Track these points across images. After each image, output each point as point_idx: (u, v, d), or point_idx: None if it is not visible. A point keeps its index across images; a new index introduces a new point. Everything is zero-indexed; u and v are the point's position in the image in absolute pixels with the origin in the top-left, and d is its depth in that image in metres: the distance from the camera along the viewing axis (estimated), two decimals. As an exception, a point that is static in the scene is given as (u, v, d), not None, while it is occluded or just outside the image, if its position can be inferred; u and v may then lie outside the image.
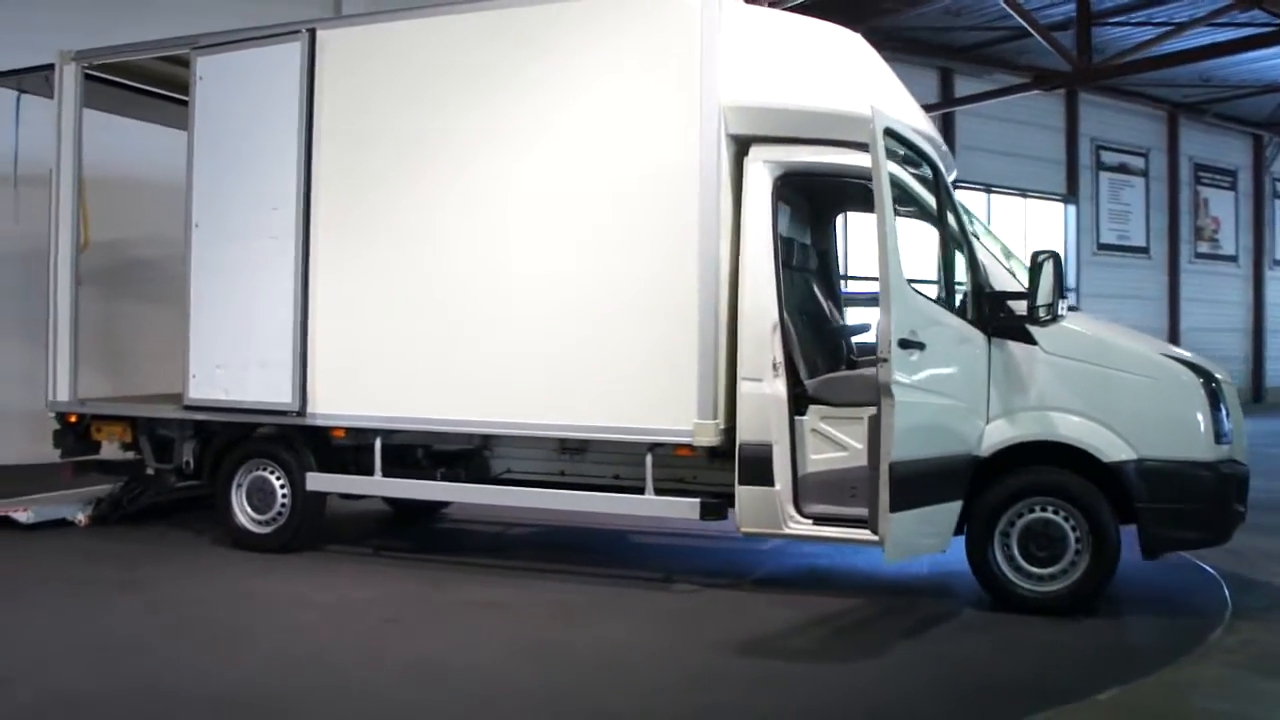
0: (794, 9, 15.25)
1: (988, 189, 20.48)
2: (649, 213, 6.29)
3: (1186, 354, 6.07)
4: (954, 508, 5.68)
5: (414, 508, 8.66)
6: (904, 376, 5.17)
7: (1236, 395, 6.04)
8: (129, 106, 8.77)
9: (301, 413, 7.04)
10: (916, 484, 5.27)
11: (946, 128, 19.78)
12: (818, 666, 5.14)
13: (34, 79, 8.29)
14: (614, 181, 6.38)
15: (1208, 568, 7.00)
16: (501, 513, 8.29)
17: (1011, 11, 13.96)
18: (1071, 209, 21.54)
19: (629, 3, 6.38)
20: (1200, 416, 5.70)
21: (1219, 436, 5.75)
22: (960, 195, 19.30)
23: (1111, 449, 5.68)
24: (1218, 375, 5.92)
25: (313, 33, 7.01)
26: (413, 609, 6.04)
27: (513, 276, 6.58)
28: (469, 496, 7.27)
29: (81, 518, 8.28)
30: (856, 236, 13.62)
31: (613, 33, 6.40)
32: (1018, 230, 21.08)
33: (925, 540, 5.60)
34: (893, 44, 18.50)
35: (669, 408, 6.19)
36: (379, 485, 7.09)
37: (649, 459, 6.31)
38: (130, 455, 8.10)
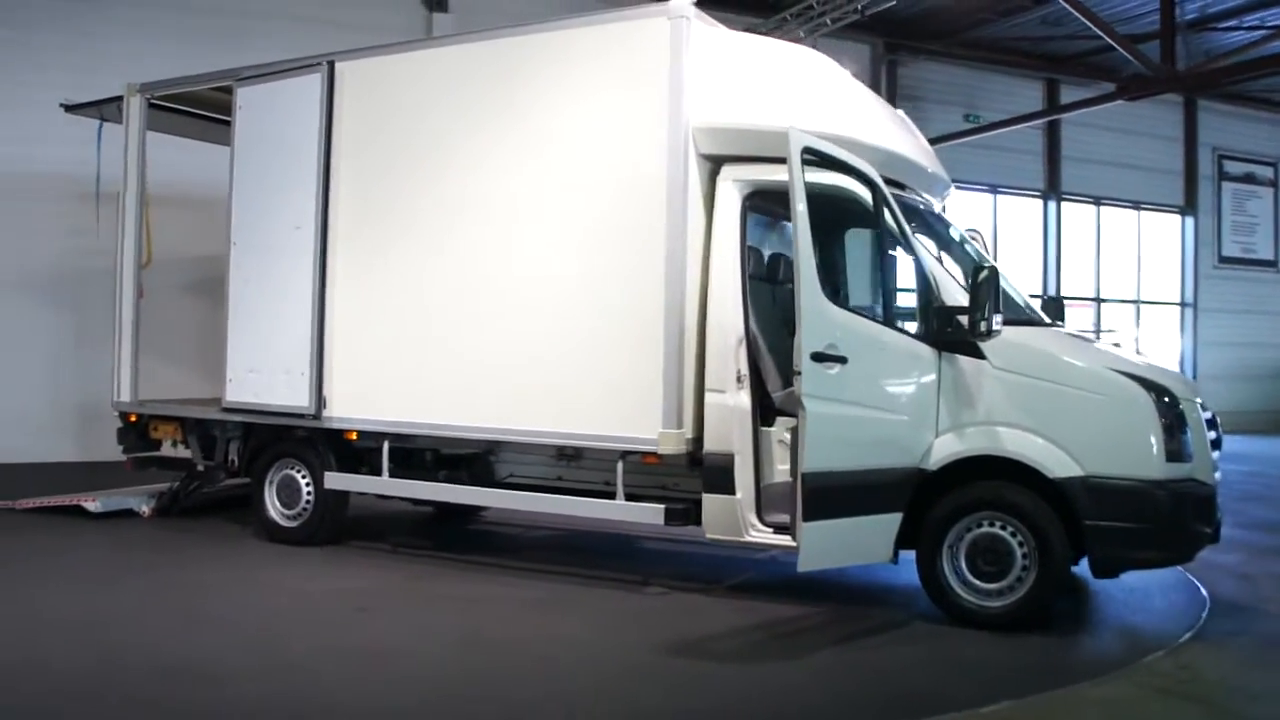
0: (876, 19, 15.35)
1: (1097, 201, 19.93)
2: (625, 230, 6.57)
3: (1151, 370, 5.96)
4: (888, 519, 5.76)
5: (452, 509, 9.12)
6: (818, 389, 5.31)
7: (1200, 413, 5.91)
8: (199, 131, 9.52)
9: (317, 416, 7.59)
10: (835, 495, 5.40)
11: (1052, 139, 19.37)
12: (740, 669, 5.31)
13: (110, 108, 9.14)
14: (594, 201, 6.68)
15: (1203, 590, 6.84)
16: (527, 516, 8.65)
17: (1084, 19, 13.63)
18: (1189, 221, 20.70)
19: (605, 30, 6.69)
20: (1151, 434, 5.63)
21: (1175, 455, 5.66)
22: (1066, 207, 18.85)
23: (1058, 465, 5.66)
24: (1178, 392, 5.82)
25: (332, 64, 7.58)
26: (389, 600, 6.47)
27: (502, 291, 6.96)
28: (460, 497, 7.64)
29: (145, 509, 9.06)
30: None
31: (591, 57, 6.72)
32: (1130, 243, 20.43)
33: (848, 551, 5.71)
34: (997, 55, 18.32)
35: (638, 417, 6.43)
36: (387, 485, 7.56)
37: (619, 465, 6.58)
38: (185, 452, 8.83)
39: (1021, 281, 18.18)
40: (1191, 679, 5.14)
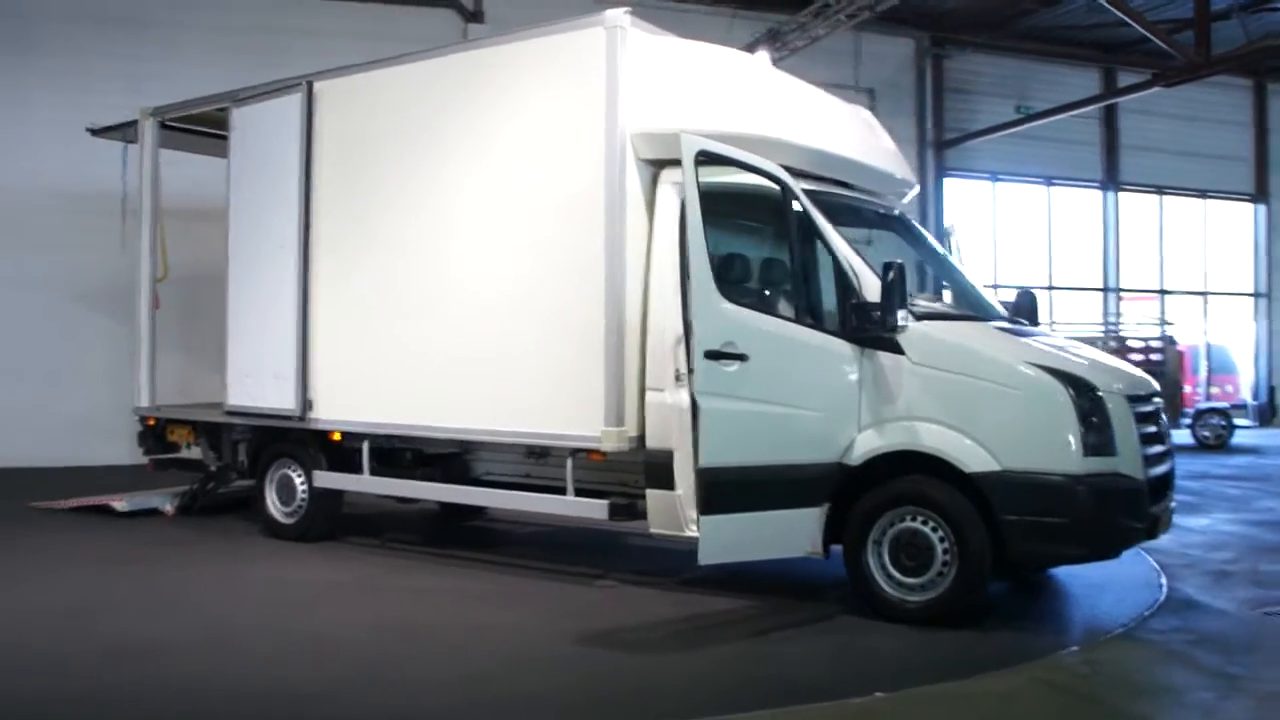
0: (918, 13, 15.23)
1: (1159, 190, 19.38)
2: (568, 235, 6.76)
3: (1076, 365, 5.92)
4: (804, 514, 5.85)
5: (455, 507, 9.42)
6: (712, 387, 5.45)
7: (1128, 407, 5.85)
8: (214, 149, 9.99)
9: (303, 418, 8.00)
10: (736, 490, 5.53)
11: (1110, 128, 18.92)
12: (646, 658, 5.46)
13: (132, 131, 9.69)
14: (539, 207, 6.90)
15: (1164, 585, 6.78)
16: (524, 514, 8.87)
17: (1110, 7, 13.33)
18: (1261, 209, 19.96)
19: (546, 41, 6.90)
20: (1068, 428, 5.60)
21: (1096, 449, 5.62)
22: (1126, 197, 18.40)
23: (975, 460, 5.68)
24: (1101, 386, 5.77)
25: (310, 84, 7.98)
26: (350, 591, 6.83)
27: (460, 296, 7.24)
28: (432, 494, 7.97)
29: (169, 508, 9.62)
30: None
31: (535, 68, 6.95)
32: (1196, 233, 19.80)
33: (756, 544, 5.82)
34: (1047, 45, 18.01)
35: (583, 416, 6.62)
36: (367, 483, 7.92)
37: (569, 463, 6.81)
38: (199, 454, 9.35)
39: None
40: (1091, 674, 5.11)
